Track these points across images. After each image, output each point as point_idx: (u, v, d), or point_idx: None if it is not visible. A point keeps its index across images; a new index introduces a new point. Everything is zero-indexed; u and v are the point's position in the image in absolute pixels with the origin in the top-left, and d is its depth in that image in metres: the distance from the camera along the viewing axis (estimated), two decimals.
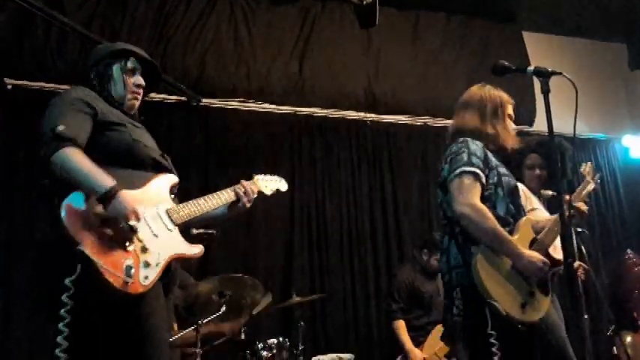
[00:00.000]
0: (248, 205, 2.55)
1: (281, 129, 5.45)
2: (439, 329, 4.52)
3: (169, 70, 4.94)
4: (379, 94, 5.77)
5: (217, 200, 2.45)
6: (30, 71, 4.73)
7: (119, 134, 2.18)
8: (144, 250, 2.03)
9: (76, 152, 1.99)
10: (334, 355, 4.36)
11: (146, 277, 2.00)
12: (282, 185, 2.92)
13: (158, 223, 2.15)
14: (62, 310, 1.82)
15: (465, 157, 2.47)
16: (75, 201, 1.93)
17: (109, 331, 1.98)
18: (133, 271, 1.95)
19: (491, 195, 2.48)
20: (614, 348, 4.77)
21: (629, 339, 5.59)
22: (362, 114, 5.76)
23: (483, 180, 2.46)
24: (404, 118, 5.91)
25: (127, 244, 1.98)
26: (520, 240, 2.44)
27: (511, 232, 2.45)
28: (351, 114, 5.73)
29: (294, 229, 5.19)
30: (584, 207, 2.90)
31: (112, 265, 1.91)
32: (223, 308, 3.80)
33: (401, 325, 4.56)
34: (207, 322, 3.69)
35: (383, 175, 5.68)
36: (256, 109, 5.40)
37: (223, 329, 3.91)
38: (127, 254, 1.97)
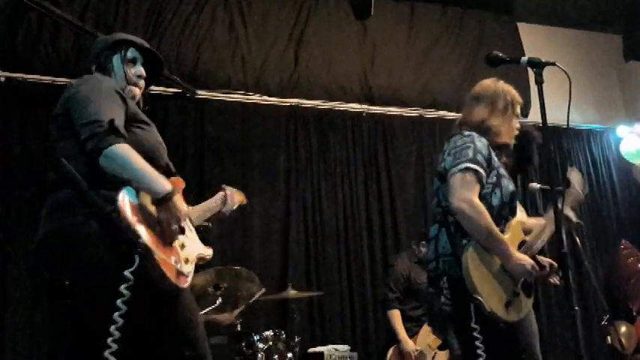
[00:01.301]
0: (230, 210, 2.64)
1: (277, 121, 5.44)
2: None
3: (164, 61, 4.90)
4: (375, 85, 5.77)
5: (214, 206, 2.50)
6: (23, 63, 4.70)
7: (145, 133, 2.16)
8: (182, 247, 2.09)
9: (131, 149, 1.97)
10: (330, 347, 4.38)
11: (189, 273, 2.06)
12: (243, 200, 2.85)
13: (187, 223, 2.19)
14: (119, 301, 1.81)
15: (470, 152, 2.45)
16: (130, 195, 1.92)
17: (157, 322, 2.00)
18: (179, 266, 2.01)
19: (487, 195, 2.48)
20: (609, 338, 4.79)
21: (623, 329, 5.63)
22: (357, 105, 5.75)
23: (484, 180, 2.46)
24: (399, 110, 5.90)
25: (172, 241, 2.02)
26: (510, 240, 2.45)
27: (502, 232, 2.45)
28: (347, 105, 5.72)
29: (290, 221, 5.19)
30: (573, 218, 2.89)
31: (163, 259, 1.94)
32: (219, 300, 3.80)
33: (396, 315, 4.57)
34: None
35: (379, 167, 5.68)
36: (252, 100, 5.39)
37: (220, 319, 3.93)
38: (173, 250, 2.01)
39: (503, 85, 2.71)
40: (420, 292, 4.63)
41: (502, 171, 2.58)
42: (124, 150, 1.94)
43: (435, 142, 5.82)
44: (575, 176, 2.89)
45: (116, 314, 1.80)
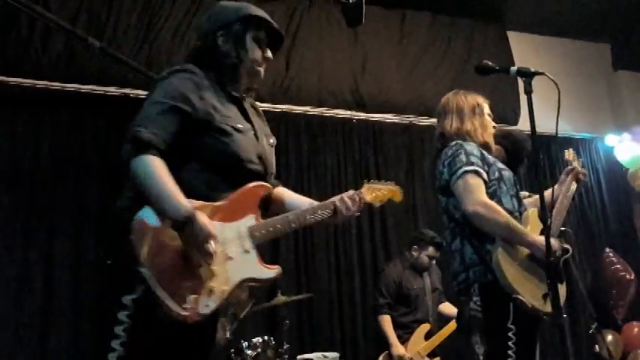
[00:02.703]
0: (349, 218, 2.28)
1: None
2: (424, 328, 4.54)
3: (156, 66, 4.89)
4: (365, 92, 5.78)
5: (310, 218, 2.13)
6: (14, 67, 4.67)
7: (218, 145, 1.96)
8: (212, 275, 1.85)
9: (154, 162, 1.81)
10: (319, 354, 4.37)
11: (207, 306, 1.83)
12: (396, 195, 2.47)
13: (235, 244, 1.95)
14: (118, 328, 1.74)
15: (463, 157, 2.50)
16: (149, 216, 1.78)
17: (163, 353, 1.86)
18: (193, 298, 1.80)
19: (496, 190, 2.53)
20: (596, 346, 4.82)
21: (610, 337, 5.66)
22: (348, 112, 5.76)
23: (485, 176, 2.50)
24: (390, 117, 5.92)
25: (195, 268, 1.82)
26: (532, 231, 2.48)
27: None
28: (338, 112, 5.73)
29: None
30: (585, 172, 2.96)
31: (172, 291, 1.76)
32: None
33: (387, 320, 4.55)
34: None
35: (369, 173, 5.68)
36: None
37: None
38: (193, 280, 1.82)
39: (463, 93, 2.80)
40: (411, 298, 4.63)
41: (500, 165, 2.63)
42: (145, 163, 1.81)
43: (425, 149, 5.84)
44: (570, 155, 3.03)
45: (114, 342, 1.73)
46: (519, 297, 2.31)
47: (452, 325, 4.52)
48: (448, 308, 4.78)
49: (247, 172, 2.03)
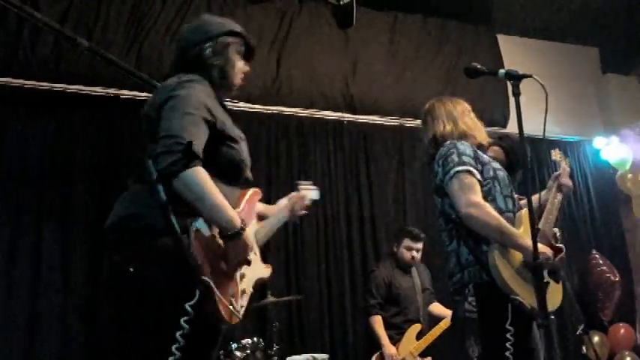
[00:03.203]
0: (297, 218, 2.63)
1: (258, 129, 5.43)
2: (415, 328, 4.56)
3: (145, 68, 4.88)
4: (356, 94, 5.79)
5: (280, 218, 2.47)
6: (2, 67, 4.64)
7: (231, 152, 2.09)
8: (242, 277, 2.01)
9: (205, 175, 1.87)
10: (309, 356, 4.36)
11: (242, 307, 1.99)
12: (316, 194, 2.86)
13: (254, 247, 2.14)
14: (177, 334, 1.78)
15: (455, 157, 2.50)
16: (202, 227, 1.87)
17: (207, 355, 1.97)
18: (234, 300, 1.93)
19: (490, 189, 2.53)
20: (583, 347, 4.85)
21: (596, 338, 5.70)
22: (339, 114, 5.77)
23: (478, 176, 2.49)
24: (380, 119, 5.93)
25: (233, 273, 1.95)
26: (525, 232, 2.46)
27: (513, 225, 2.48)
28: (328, 114, 5.73)
29: None
30: (569, 182, 2.99)
31: (223, 296, 1.88)
32: None
33: (378, 320, 4.56)
34: None
35: (359, 176, 5.70)
36: (233, 108, 5.35)
37: None
38: (232, 283, 1.95)
39: (448, 98, 2.83)
40: (401, 297, 4.64)
41: (495, 164, 2.63)
42: (198, 175, 1.85)
43: (415, 151, 5.85)
44: (557, 155, 3.13)
45: (173, 347, 1.78)
46: (518, 298, 2.31)
47: (443, 325, 4.53)
48: (438, 308, 4.79)
49: (245, 178, 2.19)
